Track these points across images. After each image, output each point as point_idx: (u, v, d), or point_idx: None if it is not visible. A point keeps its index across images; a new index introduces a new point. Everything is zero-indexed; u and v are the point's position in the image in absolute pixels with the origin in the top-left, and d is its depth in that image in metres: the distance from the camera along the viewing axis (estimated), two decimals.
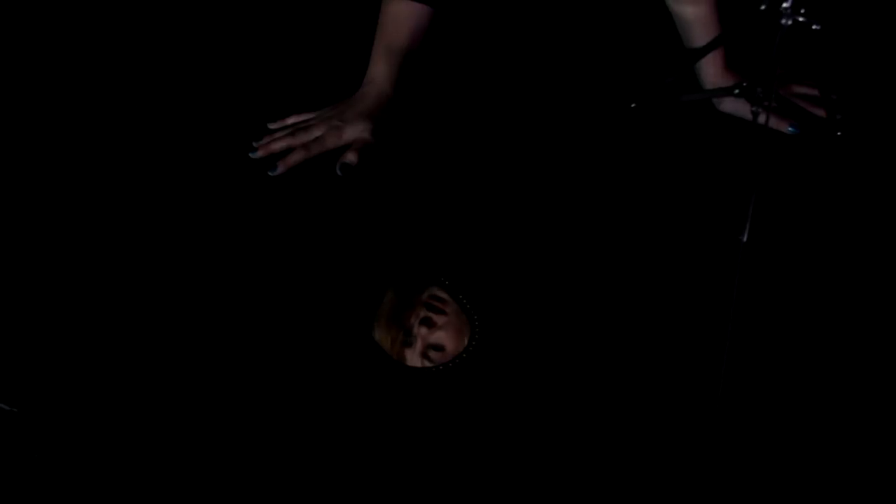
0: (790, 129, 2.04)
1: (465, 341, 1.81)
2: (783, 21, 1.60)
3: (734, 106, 2.10)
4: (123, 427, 1.73)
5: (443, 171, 2.03)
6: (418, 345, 1.81)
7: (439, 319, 1.82)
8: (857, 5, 2.24)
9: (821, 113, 2.06)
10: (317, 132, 2.02)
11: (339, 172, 1.98)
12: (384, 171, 2.02)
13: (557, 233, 1.95)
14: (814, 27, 1.61)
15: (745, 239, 1.65)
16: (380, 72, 2.07)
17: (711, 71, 2.11)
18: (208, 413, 1.75)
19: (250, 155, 2.01)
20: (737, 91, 1.90)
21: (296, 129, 2.03)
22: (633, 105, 2.04)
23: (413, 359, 1.80)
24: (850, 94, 2.11)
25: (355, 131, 2.02)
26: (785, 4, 1.59)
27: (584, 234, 1.95)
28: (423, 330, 1.81)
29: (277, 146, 2.01)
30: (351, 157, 1.99)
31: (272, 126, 2.06)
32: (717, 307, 1.77)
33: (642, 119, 2.07)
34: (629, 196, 2.00)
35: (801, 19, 1.60)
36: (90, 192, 1.99)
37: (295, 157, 1.99)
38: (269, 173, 1.98)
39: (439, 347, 1.81)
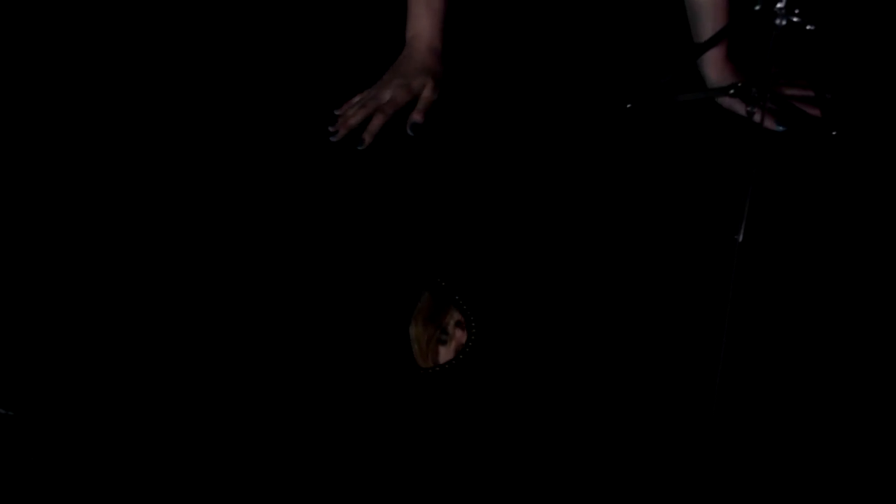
0: (778, 127, 2.04)
1: None
2: (778, 21, 1.60)
3: (730, 102, 2.10)
4: (121, 431, 1.73)
5: (438, 171, 2.03)
6: (452, 344, 1.83)
7: None
8: (852, 6, 2.25)
9: (816, 113, 2.06)
10: (385, 96, 2.05)
11: (410, 133, 2.02)
12: (381, 173, 2.03)
13: (554, 233, 1.96)
14: (808, 27, 1.61)
15: (740, 238, 1.65)
16: (424, 26, 2.10)
17: (711, 62, 2.11)
18: (209, 411, 1.75)
19: (331, 139, 2.03)
20: (732, 91, 1.90)
21: (364, 103, 2.06)
22: (628, 105, 2.04)
23: (447, 355, 1.82)
24: (845, 93, 2.11)
25: (420, 84, 2.05)
26: (779, 5, 1.60)
27: (580, 234, 1.95)
28: (458, 332, 1.83)
29: (354, 120, 2.04)
30: (417, 117, 2.03)
31: (338, 112, 2.08)
32: (713, 306, 1.77)
33: (638, 119, 2.07)
34: (625, 196, 2.00)
35: (795, 20, 1.60)
36: (90, 192, 1.99)
37: (376, 123, 2.03)
38: (358, 147, 2.01)
39: None
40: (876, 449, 1.73)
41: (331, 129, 2.06)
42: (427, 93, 2.07)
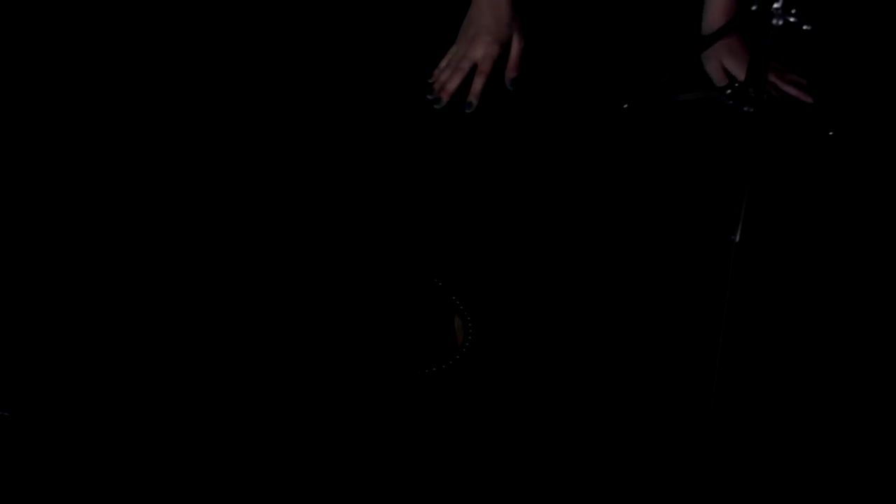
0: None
1: None
2: (774, 21, 1.60)
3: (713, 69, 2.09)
4: (117, 432, 1.73)
5: (436, 171, 2.03)
6: None
7: None
8: (848, 6, 2.25)
9: (808, 99, 2.06)
10: (477, 53, 2.04)
11: (510, 88, 2.04)
12: (377, 173, 2.03)
13: (551, 233, 1.96)
14: (804, 27, 1.61)
15: (737, 239, 1.65)
16: None
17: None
18: (209, 411, 1.75)
19: (435, 106, 2.04)
20: (729, 91, 1.90)
21: (456, 65, 2.05)
22: (625, 106, 2.04)
23: None
24: (841, 94, 2.11)
25: (507, 36, 2.04)
26: (776, 5, 1.60)
27: (577, 234, 1.96)
28: None
29: (453, 85, 2.04)
30: (515, 74, 2.04)
31: (431, 80, 2.08)
32: (709, 306, 1.77)
33: (635, 119, 2.07)
34: (622, 197, 2.00)
35: (791, 20, 1.60)
36: (90, 192, 1.99)
37: (478, 86, 2.03)
38: (466, 111, 2.02)
39: None
40: (874, 449, 1.73)
41: (429, 97, 2.05)
42: (516, 45, 2.05)
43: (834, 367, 1.81)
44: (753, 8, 1.61)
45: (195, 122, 2.10)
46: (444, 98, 2.04)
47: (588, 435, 1.74)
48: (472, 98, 2.02)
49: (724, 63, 2.07)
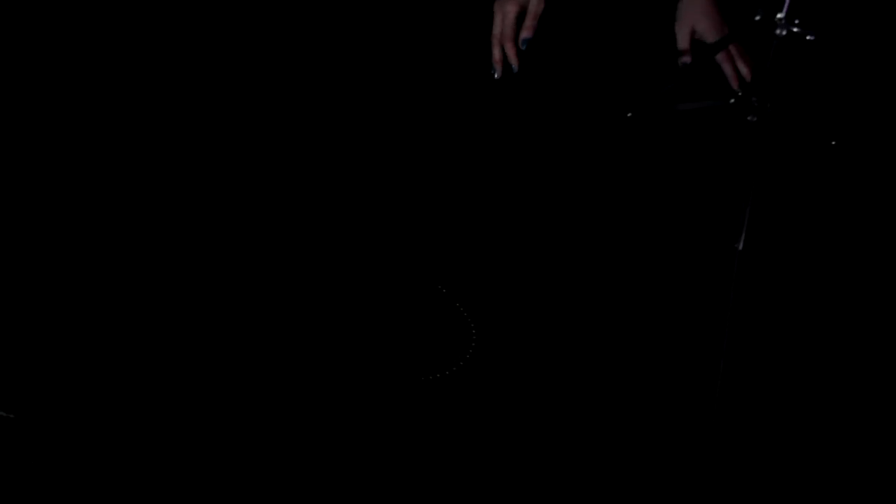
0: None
1: None
2: (778, 31, 1.61)
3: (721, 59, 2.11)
4: (122, 434, 1.73)
5: (440, 178, 2.04)
6: None
7: None
8: (852, 16, 2.25)
9: (734, 85, 2.07)
10: (497, 18, 2.14)
11: (522, 48, 2.11)
12: (382, 178, 2.03)
13: (555, 241, 1.96)
14: (808, 38, 1.62)
15: (740, 247, 1.66)
16: None
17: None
18: (208, 411, 1.76)
19: (495, 77, 2.13)
20: (732, 101, 1.91)
21: (493, 35, 2.15)
22: (629, 114, 2.05)
23: None
24: (844, 103, 2.12)
25: None
26: (780, 15, 1.60)
27: (581, 242, 1.96)
28: None
29: (497, 55, 2.14)
30: (527, 34, 2.12)
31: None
32: (713, 314, 1.77)
33: (639, 128, 2.08)
34: (626, 205, 2.01)
35: (795, 30, 1.61)
36: (90, 192, 2.00)
37: (511, 52, 2.13)
38: (514, 71, 2.11)
39: None
40: (874, 452, 1.74)
41: (492, 71, 2.14)
42: (533, 6, 2.13)
43: (836, 373, 1.81)
44: (757, 18, 1.62)
45: (196, 121, 2.10)
46: (497, 68, 2.14)
47: (592, 441, 1.75)
48: (514, 64, 2.13)
49: (696, 27, 2.09)
